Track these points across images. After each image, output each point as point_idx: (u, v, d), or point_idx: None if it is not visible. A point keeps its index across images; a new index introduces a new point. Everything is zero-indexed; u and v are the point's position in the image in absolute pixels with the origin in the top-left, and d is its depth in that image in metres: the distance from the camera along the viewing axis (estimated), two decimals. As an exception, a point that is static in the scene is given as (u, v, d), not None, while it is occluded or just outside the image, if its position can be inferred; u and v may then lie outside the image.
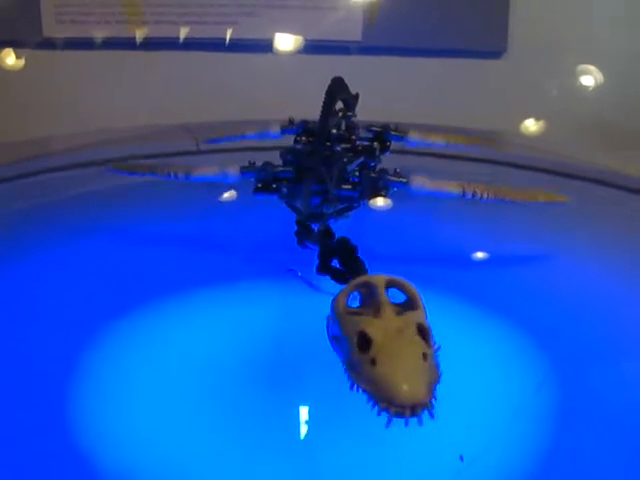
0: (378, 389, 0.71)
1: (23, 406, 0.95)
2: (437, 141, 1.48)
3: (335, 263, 1.06)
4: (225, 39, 2.08)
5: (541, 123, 1.87)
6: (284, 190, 1.14)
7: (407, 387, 0.69)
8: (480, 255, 1.37)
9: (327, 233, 1.12)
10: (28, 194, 1.70)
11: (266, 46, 2.05)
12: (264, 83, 2.06)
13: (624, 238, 1.40)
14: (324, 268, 1.06)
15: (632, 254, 1.34)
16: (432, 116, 1.89)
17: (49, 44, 2.09)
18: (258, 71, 2.07)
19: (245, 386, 0.99)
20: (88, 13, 2.09)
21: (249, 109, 1.88)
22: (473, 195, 1.19)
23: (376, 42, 2.10)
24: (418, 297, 0.82)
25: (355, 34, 2.08)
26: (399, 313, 0.79)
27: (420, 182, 1.18)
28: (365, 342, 0.75)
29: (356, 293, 0.85)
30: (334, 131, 1.17)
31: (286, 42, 2.04)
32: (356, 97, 1.30)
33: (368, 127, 1.29)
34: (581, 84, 1.98)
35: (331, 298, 0.87)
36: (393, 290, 0.83)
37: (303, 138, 1.21)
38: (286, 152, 1.17)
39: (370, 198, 1.12)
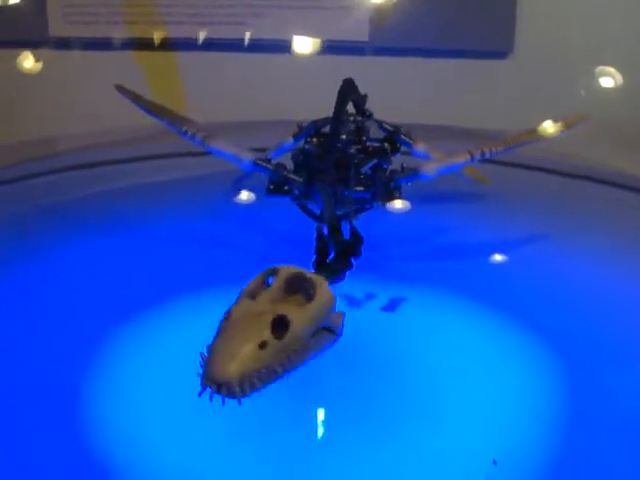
0: (204, 358, 0.73)
1: (34, 405, 0.95)
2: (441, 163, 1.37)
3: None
4: (233, 39, 2.08)
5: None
6: (296, 192, 1.14)
7: (218, 364, 0.70)
8: (488, 254, 1.37)
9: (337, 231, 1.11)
10: (32, 195, 1.69)
11: (273, 46, 2.05)
12: (271, 84, 2.06)
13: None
14: (320, 264, 1.04)
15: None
16: (438, 116, 1.89)
17: (56, 44, 2.10)
18: (265, 71, 2.07)
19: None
20: (95, 13, 2.09)
21: (257, 109, 1.88)
22: (482, 155, 1.17)
23: (382, 43, 2.10)
24: (318, 294, 0.80)
25: (362, 35, 2.08)
26: (275, 301, 0.78)
27: (429, 167, 1.17)
28: (226, 317, 0.77)
29: (271, 278, 0.83)
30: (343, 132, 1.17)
31: (294, 43, 2.04)
32: (364, 98, 1.31)
33: (380, 125, 1.29)
34: (588, 84, 1.97)
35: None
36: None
37: (314, 139, 1.21)
38: (298, 154, 1.17)
39: (384, 199, 1.12)
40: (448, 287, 1.19)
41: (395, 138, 1.29)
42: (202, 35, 2.05)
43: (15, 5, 2.01)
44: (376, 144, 1.22)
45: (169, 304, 1.18)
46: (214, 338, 0.75)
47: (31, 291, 1.24)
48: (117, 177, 1.51)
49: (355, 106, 1.29)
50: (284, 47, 1.87)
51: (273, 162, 1.18)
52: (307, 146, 1.18)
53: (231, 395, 0.70)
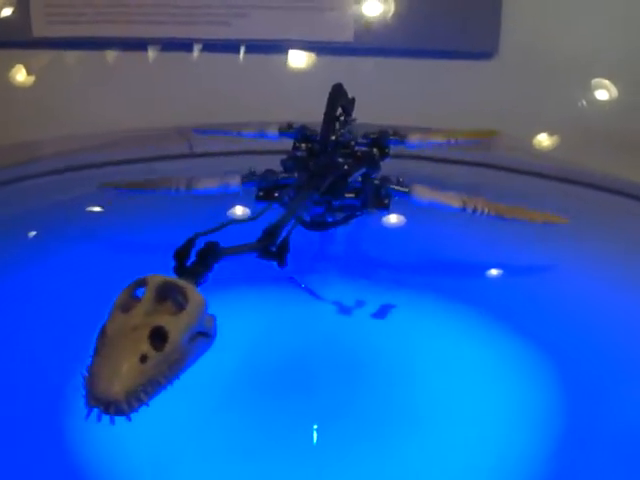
0: (86, 378, 0.71)
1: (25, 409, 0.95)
2: (436, 139, 1.48)
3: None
4: (216, 40, 2.07)
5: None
6: (286, 198, 1.13)
7: (101, 383, 0.68)
8: (483, 262, 1.36)
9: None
10: (13, 200, 1.68)
11: (257, 47, 2.04)
12: (255, 84, 2.05)
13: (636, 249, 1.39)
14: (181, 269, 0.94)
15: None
16: (422, 118, 1.89)
17: (39, 44, 2.07)
18: (248, 72, 2.07)
19: (247, 391, 0.99)
20: (80, 13, 2.06)
21: (243, 111, 1.87)
22: (474, 210, 1.19)
23: (367, 43, 2.09)
24: (190, 299, 0.78)
25: (347, 35, 2.08)
26: (149, 313, 0.76)
27: (421, 193, 1.18)
28: (101, 335, 0.75)
29: (141, 289, 0.80)
30: (333, 137, 1.17)
31: (277, 43, 2.04)
32: (352, 101, 1.31)
33: (364, 135, 1.29)
34: (574, 86, 1.99)
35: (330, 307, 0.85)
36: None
37: (302, 145, 1.20)
38: (287, 159, 1.17)
39: (373, 207, 1.12)
40: (443, 296, 1.19)
41: (383, 142, 1.29)
42: (185, 35, 2.05)
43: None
44: (364, 149, 1.22)
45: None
46: (92, 357, 0.72)
47: (15, 298, 1.22)
48: (104, 180, 1.49)
49: (344, 110, 1.29)
50: (267, 48, 1.87)
51: (258, 173, 1.18)
52: (296, 151, 1.18)
53: (120, 413, 0.69)
